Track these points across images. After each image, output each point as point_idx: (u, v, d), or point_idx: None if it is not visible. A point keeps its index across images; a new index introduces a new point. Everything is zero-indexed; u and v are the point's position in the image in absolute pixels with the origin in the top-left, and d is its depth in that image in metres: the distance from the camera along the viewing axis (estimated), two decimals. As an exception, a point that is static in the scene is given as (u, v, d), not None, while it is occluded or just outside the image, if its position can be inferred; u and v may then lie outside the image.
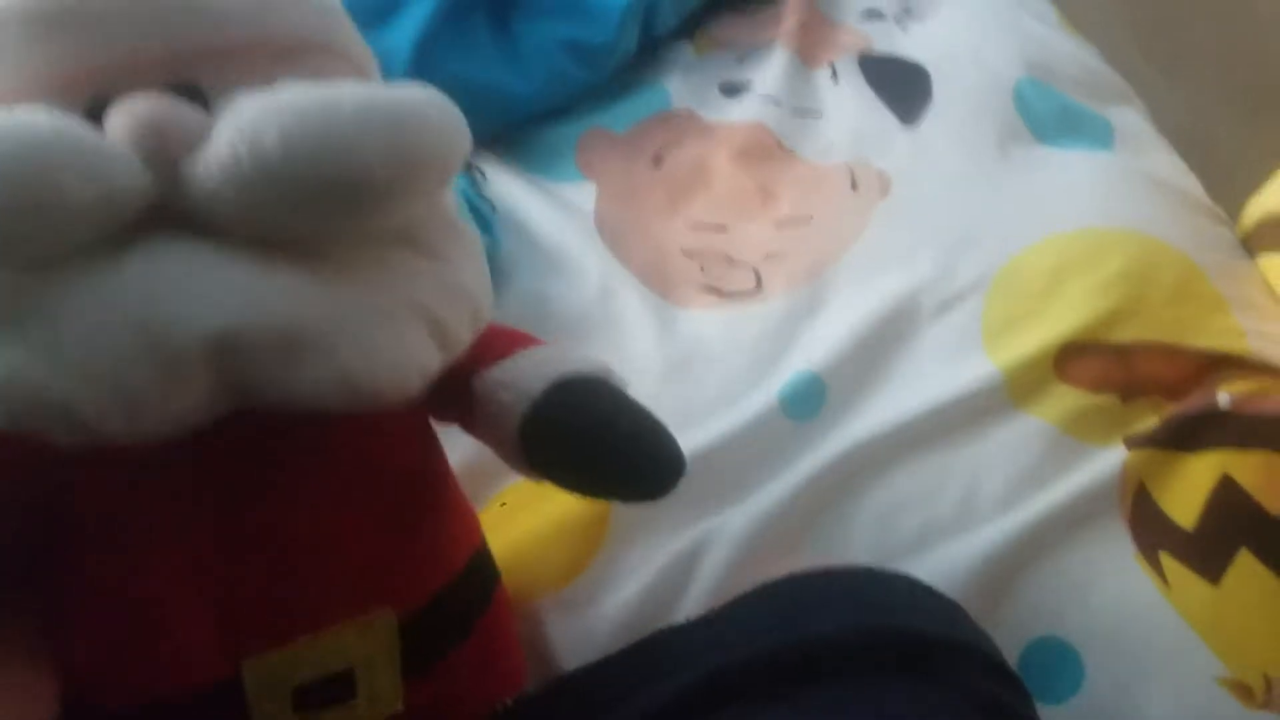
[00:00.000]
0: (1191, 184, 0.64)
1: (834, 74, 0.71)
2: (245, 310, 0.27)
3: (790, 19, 0.74)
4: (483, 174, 0.67)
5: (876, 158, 0.63)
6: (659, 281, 0.60)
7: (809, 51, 0.72)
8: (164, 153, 0.28)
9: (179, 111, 0.28)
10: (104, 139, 0.27)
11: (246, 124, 0.27)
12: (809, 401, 0.52)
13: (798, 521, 0.48)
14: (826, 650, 0.36)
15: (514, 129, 0.70)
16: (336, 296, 0.29)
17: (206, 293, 0.27)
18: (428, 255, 0.32)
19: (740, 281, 0.59)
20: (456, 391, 0.35)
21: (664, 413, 0.42)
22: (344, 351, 0.28)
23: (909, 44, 0.72)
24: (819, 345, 0.54)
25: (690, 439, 0.49)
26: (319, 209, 0.28)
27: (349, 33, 0.35)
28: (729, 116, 0.69)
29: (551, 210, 0.64)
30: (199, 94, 0.30)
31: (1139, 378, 0.51)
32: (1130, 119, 0.67)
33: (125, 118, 0.28)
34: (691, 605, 0.46)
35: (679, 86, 0.72)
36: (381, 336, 0.30)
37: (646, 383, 0.54)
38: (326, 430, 0.32)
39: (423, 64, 0.66)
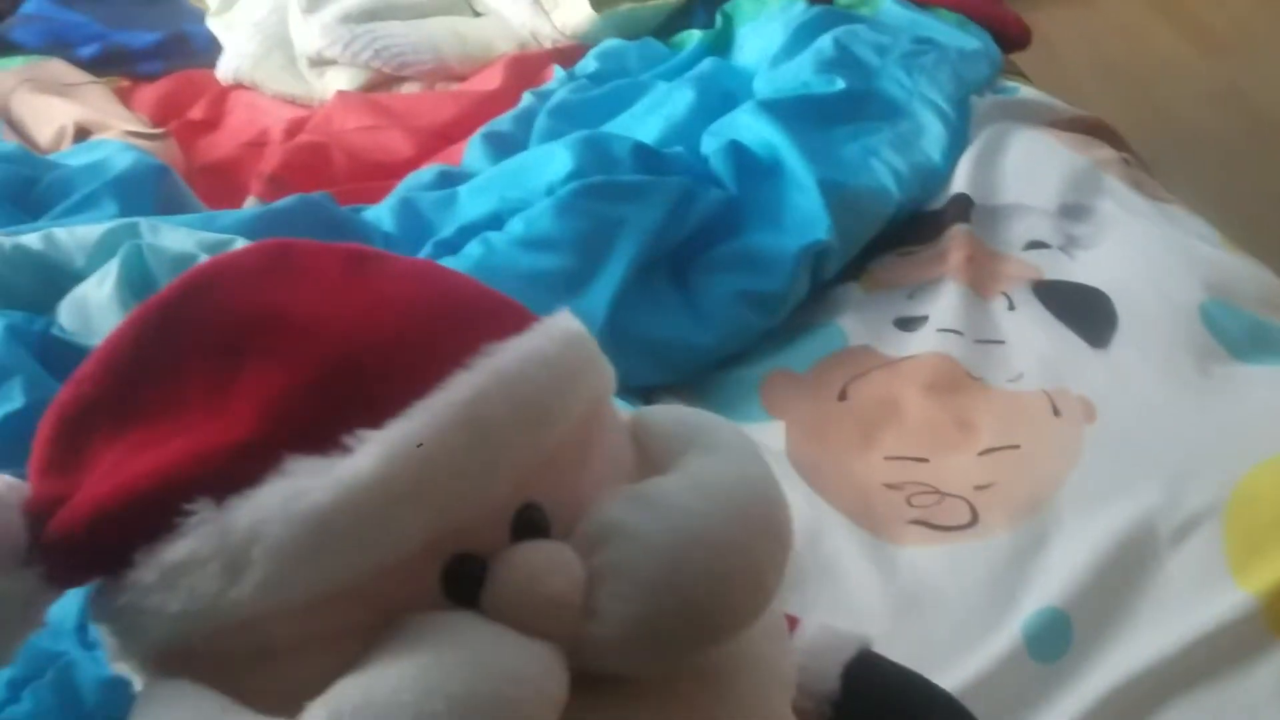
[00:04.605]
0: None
1: (1010, 303, 0.72)
2: None
3: (956, 255, 0.76)
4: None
5: (1073, 383, 0.63)
6: (866, 518, 0.60)
7: (980, 283, 0.74)
8: (561, 625, 0.28)
9: (559, 562, 0.28)
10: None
11: (631, 584, 0.28)
12: (1054, 642, 0.50)
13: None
14: None
15: (699, 376, 0.72)
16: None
17: None
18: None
19: (954, 515, 0.58)
20: None
21: (899, 656, 0.42)
22: None
23: (1081, 271, 0.73)
24: (1055, 580, 0.52)
25: (934, 685, 0.47)
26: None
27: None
28: (909, 350, 0.71)
29: (746, 452, 0.65)
30: (539, 510, 0.30)
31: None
32: (1322, 330, 0.66)
33: (514, 588, 0.28)
34: None
35: (853, 324, 0.75)
36: None
37: (875, 626, 0.52)
38: None
39: (615, 325, 0.70)
